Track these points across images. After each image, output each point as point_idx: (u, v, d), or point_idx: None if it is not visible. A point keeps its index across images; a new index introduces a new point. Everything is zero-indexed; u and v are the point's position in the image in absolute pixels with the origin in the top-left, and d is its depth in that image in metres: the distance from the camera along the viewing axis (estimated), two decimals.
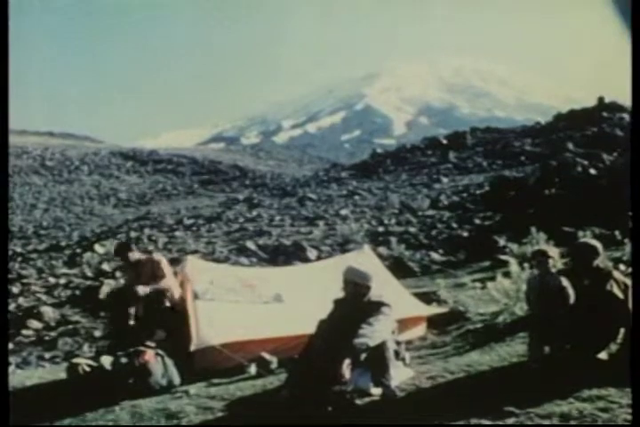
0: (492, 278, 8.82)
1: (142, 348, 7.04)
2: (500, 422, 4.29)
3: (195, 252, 18.93)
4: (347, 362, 5.30)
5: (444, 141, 43.55)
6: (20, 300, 16.55)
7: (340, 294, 5.81)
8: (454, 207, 23.10)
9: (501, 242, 15.66)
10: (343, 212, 25.27)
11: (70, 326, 12.61)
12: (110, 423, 5.55)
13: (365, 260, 8.33)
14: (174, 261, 17.90)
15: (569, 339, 5.30)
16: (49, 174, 63.08)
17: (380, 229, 20.83)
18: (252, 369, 6.79)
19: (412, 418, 4.56)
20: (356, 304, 5.56)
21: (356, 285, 5.60)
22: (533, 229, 13.78)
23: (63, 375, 7.30)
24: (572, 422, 4.18)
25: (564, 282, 5.39)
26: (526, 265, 8.25)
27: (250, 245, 19.60)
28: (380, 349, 5.16)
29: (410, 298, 8.72)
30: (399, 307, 5.98)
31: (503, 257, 13.49)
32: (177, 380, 6.67)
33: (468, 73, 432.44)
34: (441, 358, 6.60)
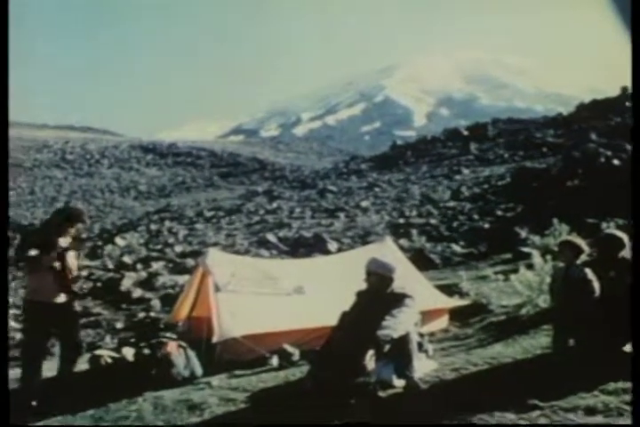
0: (515, 271, 8.75)
1: (164, 339, 7.07)
2: (525, 416, 4.24)
3: (215, 244, 18.96)
4: (370, 354, 5.28)
5: (465, 133, 43.27)
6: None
7: (363, 286, 5.79)
8: (475, 199, 22.93)
9: (523, 234, 15.54)
10: (364, 204, 25.19)
11: (92, 318, 12.69)
12: (134, 414, 5.57)
13: (387, 251, 8.28)
14: (195, 254, 18.03)
15: (594, 331, 5.24)
16: (69, 168, 63.58)
17: (401, 220, 20.75)
18: (274, 361, 6.79)
19: (435, 410, 4.53)
20: (378, 296, 5.54)
21: (378, 276, 5.58)
22: (556, 221, 13.63)
23: (86, 367, 7.36)
24: (599, 416, 4.13)
25: (589, 274, 5.33)
26: (549, 257, 8.16)
27: (270, 237, 19.61)
28: (404, 340, 5.14)
29: (432, 290, 8.68)
30: (422, 299, 5.95)
31: (525, 249, 13.39)
32: (199, 371, 6.69)
33: (487, 64, 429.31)
34: (464, 350, 6.56)
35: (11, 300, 16.45)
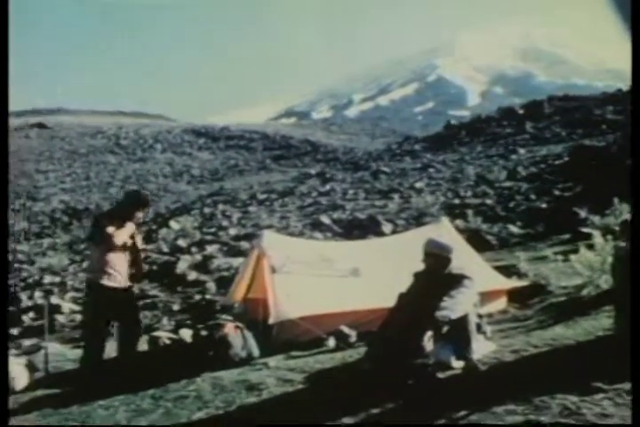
0: (574, 251, 8.55)
1: (221, 321, 7.15)
2: (587, 398, 4.13)
3: (269, 227, 19.06)
4: (428, 335, 5.24)
5: (520, 111, 42.35)
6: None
7: (419, 268, 5.74)
8: (532, 179, 22.46)
9: (582, 214, 15.18)
10: (418, 185, 24.95)
11: (149, 301, 12.92)
12: (193, 394, 5.65)
13: (443, 232, 8.18)
14: (249, 237, 18.16)
15: None
16: (123, 153, 64.60)
17: (456, 201, 20.49)
18: (331, 342, 6.81)
19: (495, 392, 4.45)
20: (436, 277, 5.48)
21: (436, 257, 5.52)
22: (616, 200, 13.25)
23: (144, 348, 7.50)
24: None
25: None
26: (610, 237, 7.93)
27: (324, 219, 19.60)
28: (462, 322, 5.08)
29: (490, 271, 8.56)
30: (479, 280, 5.85)
31: (585, 229, 13.08)
32: (256, 352, 6.75)
33: (543, 39, 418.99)
34: (523, 331, 6.45)
35: (70, 283, 16.90)
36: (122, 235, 6.33)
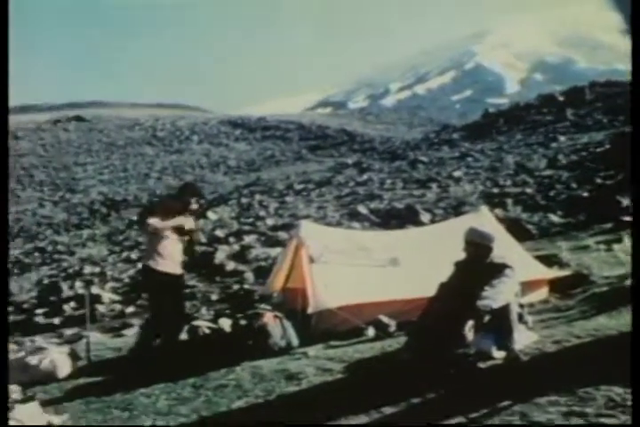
0: (617, 240, 8.41)
1: (260, 310, 7.18)
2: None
3: (306, 217, 19.07)
4: (469, 324, 5.19)
5: (561, 98, 41.56)
6: (140, 265, 17.29)
7: (458, 257, 5.69)
8: (573, 167, 22.03)
9: (625, 202, 14.87)
10: (456, 174, 24.68)
11: (187, 291, 13.06)
12: (232, 382, 5.69)
13: (483, 221, 8.06)
14: (286, 227, 18.20)
15: None
16: (160, 145, 65.16)
17: (495, 190, 20.23)
18: (370, 332, 6.80)
19: (537, 383, 4.39)
20: (478, 266, 5.42)
21: (477, 246, 5.46)
22: None
23: (184, 337, 7.57)
24: None
25: None
26: None
27: (361, 209, 19.52)
28: (504, 311, 5.02)
29: (531, 260, 8.44)
30: (520, 269, 5.77)
31: (627, 218, 12.81)
32: (295, 342, 6.77)
33: (583, 25, 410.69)
34: (565, 322, 6.34)
35: (109, 273, 17.16)
36: (175, 223, 6.56)
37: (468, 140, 36.36)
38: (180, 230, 6.63)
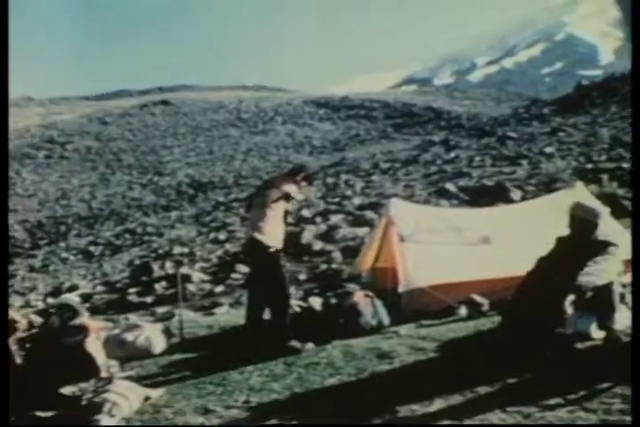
0: None
1: (350, 289, 7.18)
2: None
3: (393, 195, 18.91)
4: (570, 299, 4.98)
5: None
6: (228, 246, 17.61)
7: (550, 235, 5.50)
8: None
9: None
10: (548, 149, 23.88)
11: None
12: (324, 361, 5.71)
13: (579, 198, 7.78)
14: (373, 206, 18.11)
15: None
16: (245, 126, 65.87)
17: (589, 166, 19.47)
18: (463, 311, 6.70)
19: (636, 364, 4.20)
20: (581, 242, 5.19)
21: (583, 221, 5.23)
22: None
23: (296, 309, 7.62)
24: None
25: None
26: None
27: (450, 187, 19.20)
28: (606, 290, 4.82)
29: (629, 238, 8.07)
30: (622, 247, 5.53)
31: None
32: (386, 320, 6.74)
33: None
34: None
35: (198, 253, 17.55)
36: (283, 200, 6.61)
37: (559, 115, 35.09)
38: (286, 211, 6.71)
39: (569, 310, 5.02)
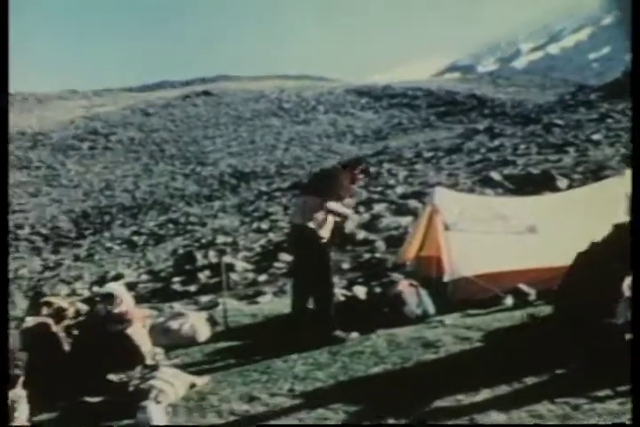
0: None
1: (395, 278, 7.15)
2: None
3: (437, 184, 18.74)
4: (628, 281, 4.83)
5: None
6: (271, 235, 17.67)
7: (598, 224, 5.37)
8: None
9: None
10: (595, 137, 23.38)
11: None
12: (369, 349, 5.70)
13: (629, 186, 7.60)
14: (417, 195, 17.99)
15: None
16: (286, 116, 65.74)
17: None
18: (509, 300, 6.63)
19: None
20: None
21: None
22: None
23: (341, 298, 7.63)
24: None
25: None
26: None
27: (494, 175, 18.95)
28: None
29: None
30: None
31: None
32: (431, 310, 6.70)
33: None
34: None
35: (241, 243, 17.64)
36: (340, 192, 6.55)
37: (607, 101, 34.28)
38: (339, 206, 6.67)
39: (627, 290, 4.88)
